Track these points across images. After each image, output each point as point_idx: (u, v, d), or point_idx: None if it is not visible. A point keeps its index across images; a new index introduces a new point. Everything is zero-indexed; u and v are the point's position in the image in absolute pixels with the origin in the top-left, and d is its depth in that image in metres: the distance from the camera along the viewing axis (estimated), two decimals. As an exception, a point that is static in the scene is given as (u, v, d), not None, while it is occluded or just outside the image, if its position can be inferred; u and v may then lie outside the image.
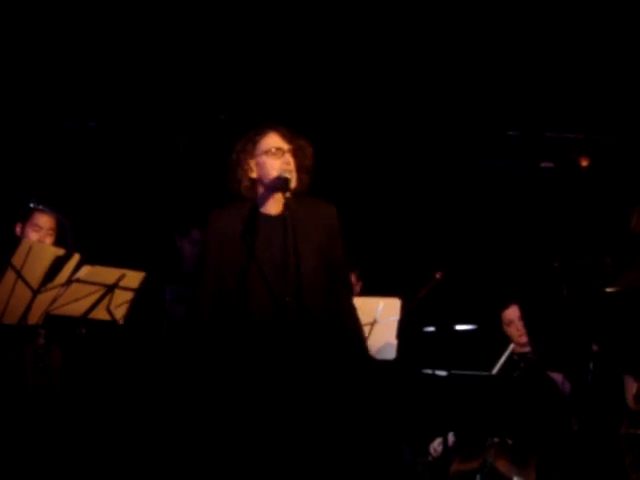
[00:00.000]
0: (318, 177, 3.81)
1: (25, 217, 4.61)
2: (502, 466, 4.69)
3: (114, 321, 4.49)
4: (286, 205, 3.58)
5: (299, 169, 3.68)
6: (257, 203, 3.70)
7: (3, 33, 5.53)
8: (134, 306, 4.57)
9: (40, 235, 4.55)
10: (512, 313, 5.13)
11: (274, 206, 3.69)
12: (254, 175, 3.68)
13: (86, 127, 6.14)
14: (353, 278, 5.31)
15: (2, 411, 4.32)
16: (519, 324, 5.06)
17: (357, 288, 5.26)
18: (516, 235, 6.41)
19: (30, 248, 4.15)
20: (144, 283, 4.47)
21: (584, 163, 6.22)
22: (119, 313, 4.47)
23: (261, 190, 3.70)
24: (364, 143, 6.38)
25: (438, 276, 4.94)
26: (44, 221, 4.58)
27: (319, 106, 6.07)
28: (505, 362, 4.98)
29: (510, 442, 4.73)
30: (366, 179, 6.48)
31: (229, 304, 3.58)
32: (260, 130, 3.73)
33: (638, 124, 6.03)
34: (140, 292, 4.48)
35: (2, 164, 5.92)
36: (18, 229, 4.62)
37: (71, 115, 6.10)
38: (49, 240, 4.55)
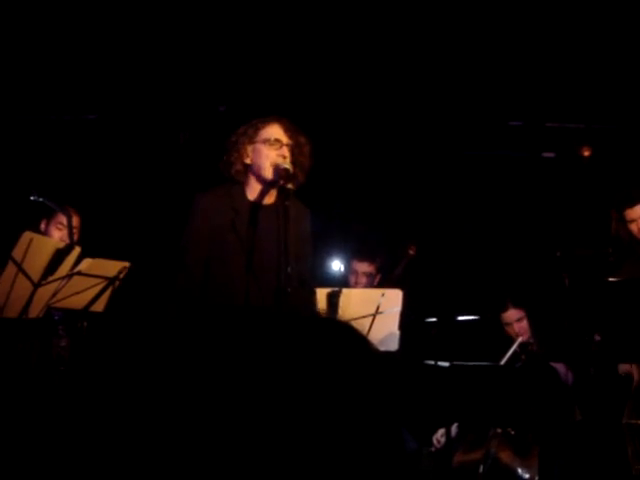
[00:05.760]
0: (318, 162, 3.80)
1: (50, 214, 4.62)
2: (505, 457, 4.69)
3: (115, 314, 4.49)
4: (286, 196, 3.56)
5: (294, 165, 3.66)
6: (244, 188, 3.69)
7: (2, 26, 5.51)
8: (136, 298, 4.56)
9: (63, 233, 4.56)
10: (509, 316, 5.15)
11: (265, 196, 3.68)
12: (248, 161, 3.67)
13: (86, 120, 6.14)
14: (371, 270, 5.28)
15: (16, 403, 4.30)
16: (516, 325, 5.10)
17: (375, 280, 5.25)
18: (518, 225, 6.40)
19: (30, 241, 4.13)
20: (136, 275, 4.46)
21: (585, 153, 6.22)
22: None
23: (251, 178, 3.68)
24: (365, 138, 6.37)
25: (411, 252, 4.92)
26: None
27: (318, 92, 6.05)
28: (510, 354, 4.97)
29: (512, 432, 4.72)
30: (366, 172, 6.47)
31: (215, 289, 3.57)
32: (265, 118, 3.72)
33: (639, 114, 6.02)
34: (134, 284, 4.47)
35: (2, 158, 5.90)
36: (43, 226, 4.64)
37: (71, 108, 6.09)
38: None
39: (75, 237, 4.56)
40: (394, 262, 5.06)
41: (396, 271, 4.94)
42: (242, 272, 3.55)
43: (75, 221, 4.62)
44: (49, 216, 4.64)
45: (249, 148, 3.66)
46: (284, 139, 3.67)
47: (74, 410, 4.51)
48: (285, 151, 3.63)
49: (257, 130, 3.67)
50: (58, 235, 4.55)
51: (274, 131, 3.67)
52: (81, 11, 5.44)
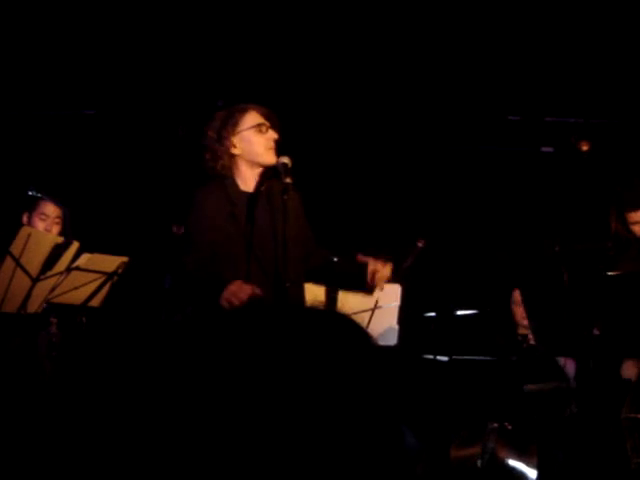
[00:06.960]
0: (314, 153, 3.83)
1: (31, 206, 4.59)
2: (503, 452, 4.68)
3: (114, 309, 4.48)
4: (285, 190, 3.58)
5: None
6: (236, 180, 3.71)
7: (0, 22, 5.50)
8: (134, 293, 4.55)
9: (47, 224, 4.53)
10: (518, 295, 5.15)
11: (258, 183, 3.70)
12: (236, 151, 3.69)
13: (84, 115, 6.12)
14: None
15: (18, 398, 4.30)
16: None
17: None
18: (517, 220, 6.40)
19: (29, 236, 4.12)
20: (136, 270, 4.46)
21: (584, 147, 6.21)
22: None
23: (242, 167, 3.71)
24: (363, 133, 6.36)
25: (420, 244, 4.92)
26: (51, 210, 4.56)
27: (315, 87, 6.04)
28: (507, 343, 4.98)
29: (510, 427, 4.72)
30: (366, 168, 6.46)
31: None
32: (239, 107, 3.75)
33: (638, 108, 6.01)
34: (133, 279, 4.47)
35: (0, 153, 5.89)
36: (25, 218, 4.59)
37: (69, 103, 6.08)
38: (55, 229, 4.54)
39: (59, 228, 4.54)
40: (402, 255, 5.05)
41: (404, 264, 4.93)
42: (244, 265, 3.57)
43: (57, 211, 4.57)
44: (31, 208, 4.59)
45: (234, 139, 3.67)
46: (266, 122, 3.72)
47: (71, 405, 4.51)
48: (272, 134, 3.68)
49: (238, 119, 3.69)
50: (42, 226, 4.52)
51: (255, 117, 3.72)
52: (79, 6, 5.43)
